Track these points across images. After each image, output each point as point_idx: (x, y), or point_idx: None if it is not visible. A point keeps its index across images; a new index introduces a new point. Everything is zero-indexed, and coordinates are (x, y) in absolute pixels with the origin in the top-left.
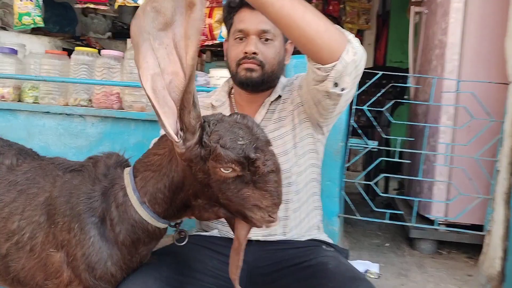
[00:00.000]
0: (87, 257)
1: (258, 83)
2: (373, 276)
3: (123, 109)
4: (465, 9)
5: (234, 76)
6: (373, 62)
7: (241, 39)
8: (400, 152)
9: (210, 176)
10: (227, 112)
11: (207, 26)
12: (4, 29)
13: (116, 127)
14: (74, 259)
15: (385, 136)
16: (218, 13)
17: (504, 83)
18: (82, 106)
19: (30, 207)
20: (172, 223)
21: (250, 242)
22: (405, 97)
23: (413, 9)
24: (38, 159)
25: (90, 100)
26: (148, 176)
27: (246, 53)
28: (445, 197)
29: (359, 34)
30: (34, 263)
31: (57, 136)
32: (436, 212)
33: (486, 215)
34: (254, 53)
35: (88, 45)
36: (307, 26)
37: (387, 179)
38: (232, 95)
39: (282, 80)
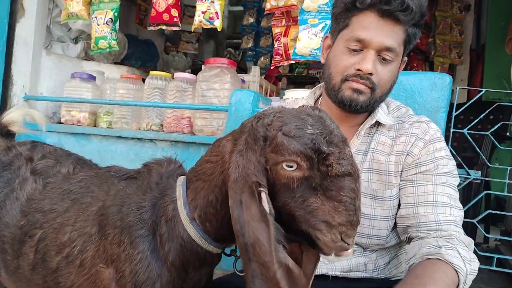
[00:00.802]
0: (134, 275)
1: (362, 108)
2: None
3: (193, 133)
4: None
5: (334, 91)
6: (466, 99)
7: (356, 50)
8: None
9: (269, 179)
10: None
11: (282, 45)
12: (91, 60)
13: (186, 152)
14: (122, 276)
15: (489, 164)
16: (294, 31)
17: None
18: (153, 130)
19: (83, 217)
20: (227, 250)
21: (324, 278)
22: (507, 134)
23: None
24: (96, 168)
25: (161, 125)
26: (198, 187)
27: (360, 70)
28: None
29: (451, 70)
30: (83, 280)
31: (128, 161)
32: None
33: None
34: (370, 73)
35: None
36: None
37: (487, 226)
38: (319, 105)
39: (386, 103)
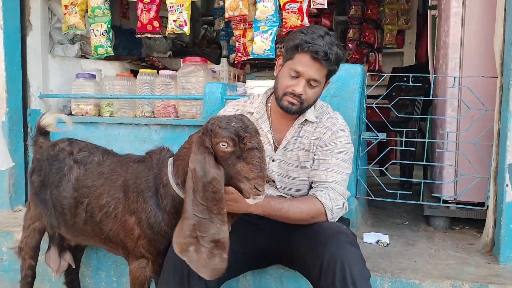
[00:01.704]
0: (148, 219)
1: (294, 113)
2: (382, 245)
3: (178, 117)
4: (463, 13)
5: (278, 99)
6: (415, 60)
7: (294, 76)
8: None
9: (214, 153)
10: (266, 123)
11: (241, 45)
12: (84, 57)
13: (173, 133)
14: (140, 221)
15: (412, 129)
16: (249, 33)
17: (494, 77)
18: (147, 117)
19: (113, 188)
20: None
21: None
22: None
23: (430, 12)
24: (117, 156)
25: (153, 112)
26: (179, 164)
27: (294, 90)
28: (453, 180)
29: (401, 34)
30: (117, 226)
31: (129, 142)
32: (446, 192)
33: (486, 193)
34: (301, 94)
35: (152, 65)
36: (291, 217)
37: (411, 168)
38: (269, 104)
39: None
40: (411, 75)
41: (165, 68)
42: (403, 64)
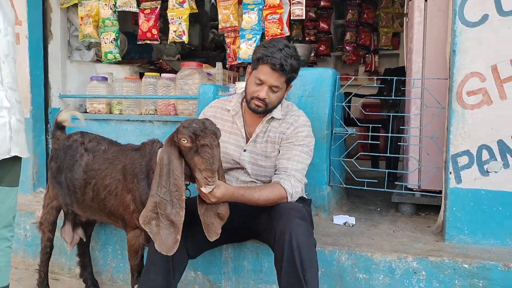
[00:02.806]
0: (140, 197)
1: (261, 113)
2: (348, 226)
3: (177, 115)
4: (425, 22)
5: (247, 101)
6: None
7: (258, 83)
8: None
9: (179, 147)
10: (240, 119)
11: (232, 51)
12: (99, 61)
13: (173, 128)
14: (135, 198)
15: (377, 125)
16: (238, 41)
17: (445, 79)
18: (150, 114)
19: (115, 171)
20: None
21: None
22: None
23: (405, 19)
24: (119, 145)
25: (155, 110)
26: None
27: (258, 95)
28: (417, 170)
29: (396, 37)
30: (117, 202)
31: (135, 136)
32: (411, 181)
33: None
34: (264, 98)
35: (160, 68)
36: (258, 200)
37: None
38: (243, 103)
39: (281, 103)
40: (394, 78)
41: (173, 70)
42: (399, 65)
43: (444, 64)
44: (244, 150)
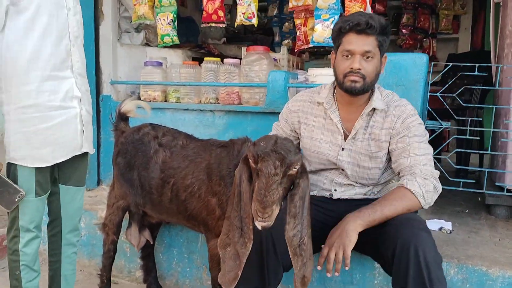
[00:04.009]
0: (228, 201)
1: (360, 91)
2: (446, 232)
3: (241, 104)
4: None
5: (340, 84)
6: (470, 46)
7: (347, 56)
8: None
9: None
10: (335, 113)
11: (302, 33)
12: (148, 44)
13: (237, 119)
14: (221, 202)
15: (475, 119)
16: (310, 22)
17: None
18: (211, 103)
19: (197, 170)
20: None
21: (337, 200)
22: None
23: (492, 1)
24: (199, 140)
25: (217, 99)
26: None
27: (352, 68)
28: None
29: (456, 20)
30: (201, 205)
31: (194, 127)
32: (510, 181)
33: None
34: (359, 69)
35: (209, 52)
36: (388, 216)
37: (466, 156)
38: (335, 95)
39: (380, 92)
40: (476, 65)
41: (221, 54)
42: (457, 51)
43: None
44: (343, 149)
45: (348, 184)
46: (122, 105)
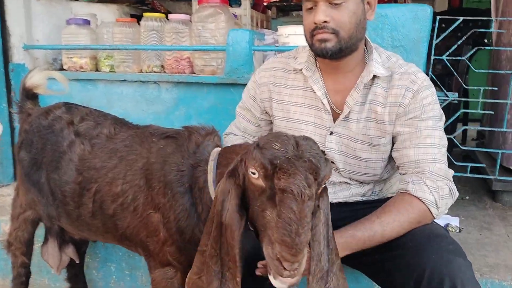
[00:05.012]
0: (178, 221)
1: (335, 52)
2: (454, 230)
3: (194, 73)
4: None
5: (310, 47)
6: (448, 4)
7: (311, 8)
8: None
9: (245, 185)
10: (319, 84)
11: None
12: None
13: (189, 92)
14: (168, 221)
15: (466, 87)
16: None
17: None
18: (155, 72)
19: (131, 171)
20: None
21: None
22: (485, 41)
23: None
24: (134, 127)
25: (162, 66)
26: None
27: (316, 23)
28: None
29: None
30: (137, 222)
31: (135, 103)
32: None
33: None
34: (325, 21)
35: (153, 9)
36: (392, 236)
37: (464, 129)
38: (317, 59)
39: (378, 53)
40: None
41: (168, 12)
42: (435, 9)
43: None
44: (331, 133)
45: (341, 182)
46: (27, 78)
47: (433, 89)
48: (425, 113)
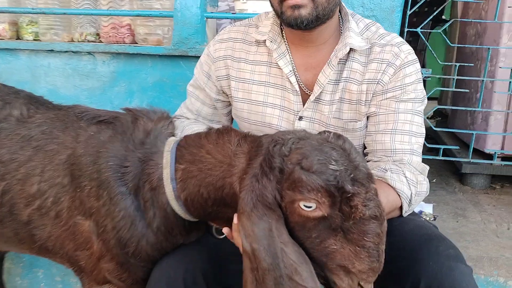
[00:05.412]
0: (117, 231)
1: (311, 21)
2: (429, 218)
3: (136, 43)
4: None
5: (279, 15)
6: None
7: None
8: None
9: (286, 215)
10: (285, 58)
11: None
12: None
13: (130, 65)
14: (104, 230)
15: (440, 62)
16: None
17: None
18: (89, 41)
19: (51, 166)
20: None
21: None
22: (443, 17)
23: None
24: (54, 108)
25: (98, 35)
26: (192, 172)
27: None
28: (502, 129)
29: None
30: (61, 231)
31: (65, 77)
32: (492, 145)
33: None
34: None
35: None
36: None
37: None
38: (283, 29)
39: (355, 20)
40: None
41: None
42: None
43: None
44: (300, 118)
45: None
46: None
47: (418, 65)
48: (406, 94)
